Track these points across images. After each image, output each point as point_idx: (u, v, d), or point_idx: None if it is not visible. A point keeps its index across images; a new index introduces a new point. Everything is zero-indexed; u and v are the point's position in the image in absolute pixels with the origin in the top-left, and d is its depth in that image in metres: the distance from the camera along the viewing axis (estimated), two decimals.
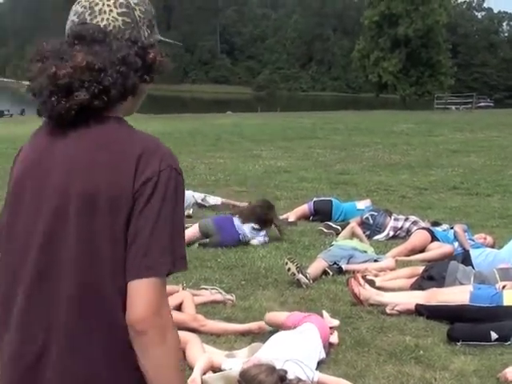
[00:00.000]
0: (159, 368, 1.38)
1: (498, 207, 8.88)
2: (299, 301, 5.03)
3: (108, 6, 1.52)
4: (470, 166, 13.00)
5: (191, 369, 3.59)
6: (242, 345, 4.11)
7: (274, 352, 3.62)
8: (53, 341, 1.43)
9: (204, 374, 3.59)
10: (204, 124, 23.81)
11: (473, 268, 5.47)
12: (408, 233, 6.94)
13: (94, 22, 1.50)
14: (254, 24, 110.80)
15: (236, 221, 6.58)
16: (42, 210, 1.46)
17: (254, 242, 6.57)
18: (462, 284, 5.10)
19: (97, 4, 1.52)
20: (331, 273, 5.67)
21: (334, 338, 4.19)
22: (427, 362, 3.99)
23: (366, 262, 5.93)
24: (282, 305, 4.93)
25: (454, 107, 44.73)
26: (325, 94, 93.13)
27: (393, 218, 7.19)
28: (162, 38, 1.63)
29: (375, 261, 5.99)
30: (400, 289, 5.26)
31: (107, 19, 1.51)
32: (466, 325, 4.38)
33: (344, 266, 5.77)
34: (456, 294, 4.83)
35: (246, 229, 6.54)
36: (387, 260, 6.00)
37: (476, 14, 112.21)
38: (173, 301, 4.25)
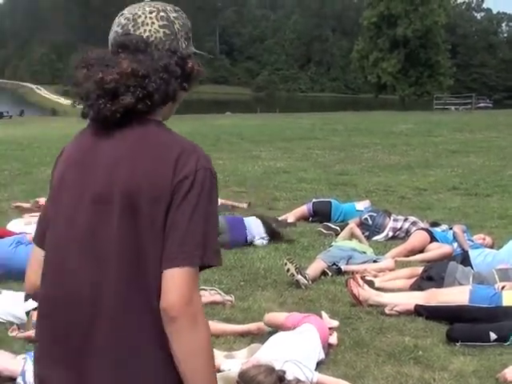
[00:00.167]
0: (188, 352, 1.49)
1: (497, 207, 8.88)
2: (298, 301, 5.03)
3: (150, 18, 1.64)
4: (469, 166, 13.01)
5: None
6: (241, 345, 4.11)
7: (273, 353, 3.62)
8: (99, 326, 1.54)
9: None
10: (203, 125, 23.83)
11: (472, 268, 5.47)
12: (407, 233, 6.94)
13: (137, 32, 1.62)
14: (253, 25, 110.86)
15: (247, 222, 6.65)
16: (84, 207, 1.57)
17: (258, 242, 6.64)
18: (461, 284, 5.10)
19: (139, 16, 1.64)
20: (330, 273, 5.67)
21: (333, 339, 4.19)
22: (426, 363, 3.99)
23: (365, 262, 5.93)
24: (281, 305, 4.93)
25: (453, 108, 44.75)
26: (324, 94, 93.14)
27: (392, 218, 7.20)
28: (196, 51, 1.75)
29: (374, 261, 5.99)
30: (399, 289, 5.27)
31: (149, 31, 1.62)
32: (465, 325, 4.38)
33: (343, 267, 5.77)
34: (455, 295, 4.83)
35: (257, 234, 6.61)
36: (386, 261, 6.00)
37: (475, 14, 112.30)
38: None
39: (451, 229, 6.70)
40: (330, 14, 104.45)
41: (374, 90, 59.20)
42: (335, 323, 4.46)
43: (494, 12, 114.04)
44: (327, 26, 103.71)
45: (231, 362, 3.65)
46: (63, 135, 20.04)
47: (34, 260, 1.73)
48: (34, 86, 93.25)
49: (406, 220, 7.18)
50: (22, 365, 3.59)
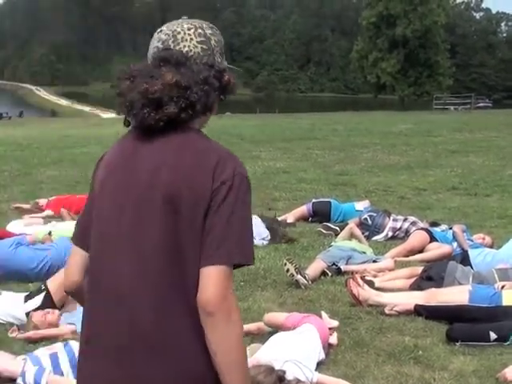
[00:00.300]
0: (223, 345, 1.58)
1: (496, 207, 8.88)
2: (298, 302, 5.03)
3: (189, 34, 1.76)
4: (468, 166, 13.02)
5: None
6: None
7: (273, 353, 3.62)
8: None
9: None
10: None
11: (471, 268, 5.47)
12: (407, 233, 6.94)
13: (177, 48, 1.74)
14: (253, 25, 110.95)
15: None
16: (126, 209, 1.66)
17: (258, 243, 6.63)
18: (460, 284, 5.10)
19: (179, 33, 1.75)
20: (330, 273, 5.67)
21: (333, 339, 4.19)
22: (426, 363, 3.99)
23: (364, 262, 5.93)
24: (280, 306, 4.93)
25: (452, 107, 44.80)
26: (323, 95, 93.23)
27: (391, 218, 7.20)
28: (229, 65, 1.87)
29: (374, 261, 5.99)
30: (399, 289, 5.26)
31: (188, 46, 1.74)
32: (465, 325, 4.38)
33: (343, 267, 5.77)
34: (455, 295, 4.83)
35: (257, 234, 6.62)
36: (386, 261, 6.00)
37: (474, 14, 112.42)
38: None
39: (451, 229, 6.71)
40: (329, 13, 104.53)
41: (374, 90, 59.13)
42: (335, 323, 4.46)
43: (493, 12, 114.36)
44: (326, 25, 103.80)
45: None
46: (63, 136, 20.05)
47: (74, 259, 1.82)
48: (33, 87, 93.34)
49: (405, 220, 7.18)
50: (22, 366, 3.59)
